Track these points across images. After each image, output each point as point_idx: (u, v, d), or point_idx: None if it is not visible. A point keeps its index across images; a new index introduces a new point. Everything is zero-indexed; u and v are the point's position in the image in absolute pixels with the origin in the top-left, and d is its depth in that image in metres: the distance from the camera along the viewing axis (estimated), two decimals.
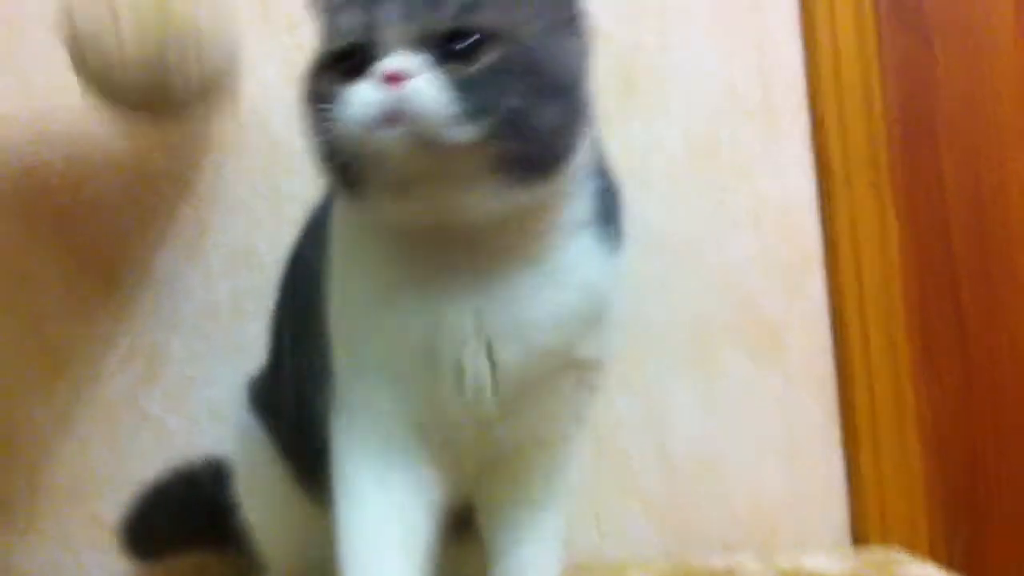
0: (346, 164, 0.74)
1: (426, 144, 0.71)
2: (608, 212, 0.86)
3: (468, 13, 0.72)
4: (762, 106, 1.46)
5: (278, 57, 1.39)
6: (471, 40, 0.72)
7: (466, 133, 0.71)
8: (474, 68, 0.72)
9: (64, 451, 1.42)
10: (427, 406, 0.85)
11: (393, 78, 0.71)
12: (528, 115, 0.72)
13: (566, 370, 0.87)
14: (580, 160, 0.80)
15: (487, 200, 0.75)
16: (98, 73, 0.93)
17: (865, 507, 1.45)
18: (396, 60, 0.72)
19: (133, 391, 1.43)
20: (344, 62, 0.75)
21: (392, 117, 0.71)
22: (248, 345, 1.31)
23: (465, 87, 0.71)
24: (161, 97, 1.07)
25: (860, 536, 1.44)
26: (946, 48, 1.53)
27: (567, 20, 0.79)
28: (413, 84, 0.71)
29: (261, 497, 1.09)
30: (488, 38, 0.73)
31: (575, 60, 0.79)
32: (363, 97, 0.72)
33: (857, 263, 1.46)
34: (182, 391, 1.40)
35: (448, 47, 0.72)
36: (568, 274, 0.82)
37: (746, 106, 1.46)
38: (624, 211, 0.92)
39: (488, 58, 0.72)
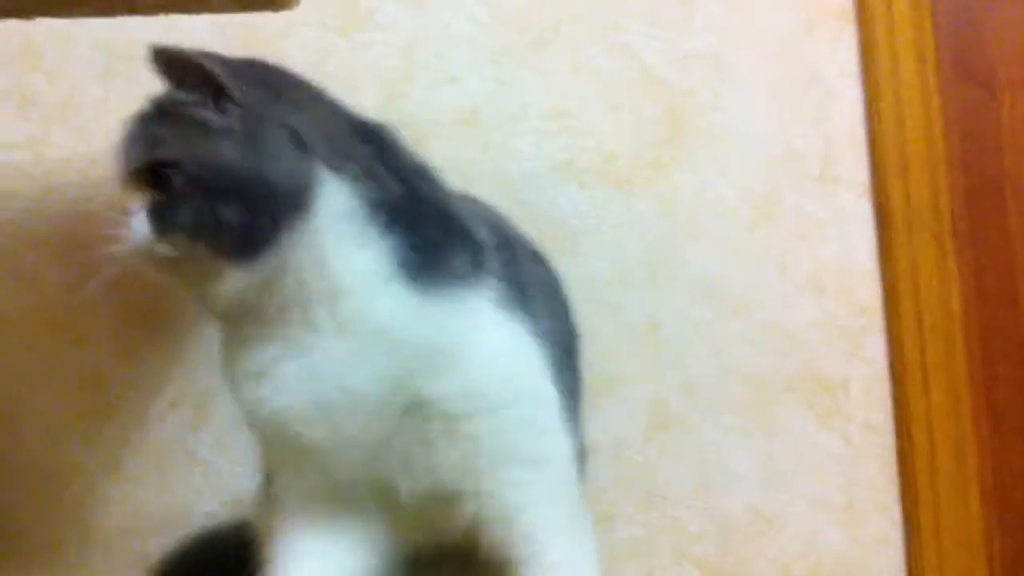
0: None
1: (155, 260, 0.90)
2: (426, 260, 0.90)
3: (151, 150, 0.89)
4: (823, 167, 1.44)
5: None
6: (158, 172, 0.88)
7: (168, 249, 0.89)
8: (164, 197, 0.88)
9: (114, 493, 1.44)
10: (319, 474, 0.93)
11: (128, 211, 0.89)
12: (212, 220, 0.86)
13: (422, 420, 0.90)
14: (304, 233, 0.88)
15: (228, 283, 0.88)
16: None
17: (923, 566, 1.41)
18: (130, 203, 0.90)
19: (182, 434, 1.44)
20: None
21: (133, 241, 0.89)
22: None
23: (158, 216, 0.88)
24: None
25: None
26: (1011, 98, 1.49)
27: (254, 122, 0.89)
28: (133, 220, 0.89)
29: None
30: (171, 167, 0.88)
31: (241, 153, 0.88)
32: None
33: (918, 318, 1.43)
34: (230, 434, 1.40)
35: (146, 181, 0.89)
36: (358, 328, 0.88)
37: (807, 168, 1.44)
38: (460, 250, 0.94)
39: (174, 184, 0.88)
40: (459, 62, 1.44)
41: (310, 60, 1.42)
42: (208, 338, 1.41)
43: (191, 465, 1.44)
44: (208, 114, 0.89)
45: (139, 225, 0.89)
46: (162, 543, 1.42)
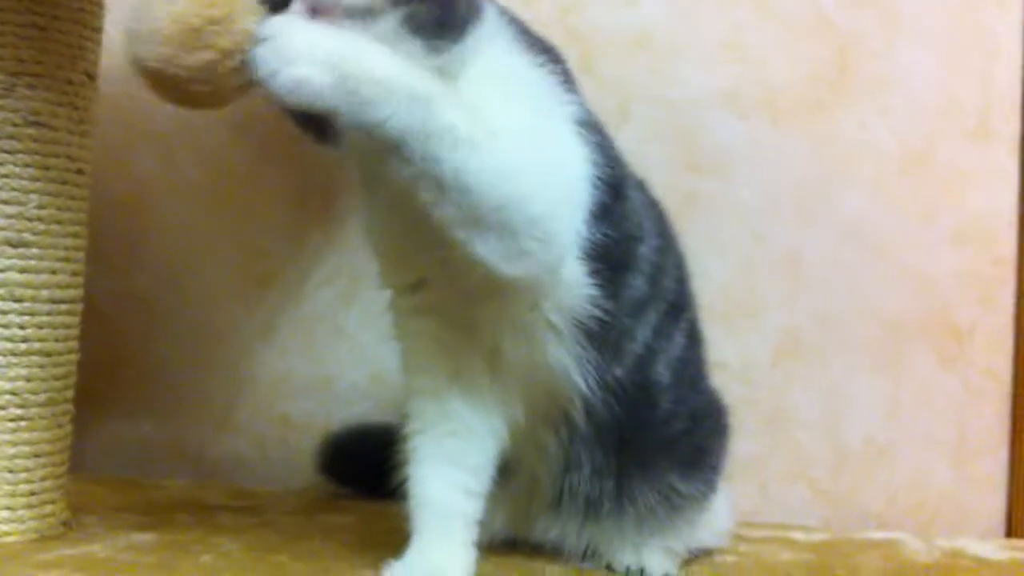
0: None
1: (350, 15, 0.81)
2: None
3: None
4: (979, 121, 1.47)
5: None
6: None
7: (368, 2, 0.81)
8: None
9: (265, 356, 1.52)
10: None
11: None
12: None
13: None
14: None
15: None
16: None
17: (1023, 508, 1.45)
18: None
19: (333, 309, 1.51)
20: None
21: (311, 12, 0.81)
22: None
23: None
24: None
25: (1014, 531, 1.46)
26: None
27: None
28: None
29: None
30: None
31: None
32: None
33: None
34: (376, 313, 1.46)
35: None
36: None
37: (963, 121, 1.47)
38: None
39: None
40: None
41: None
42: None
43: (338, 338, 1.51)
44: None
45: None
46: (304, 408, 1.51)
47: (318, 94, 0.77)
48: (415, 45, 0.84)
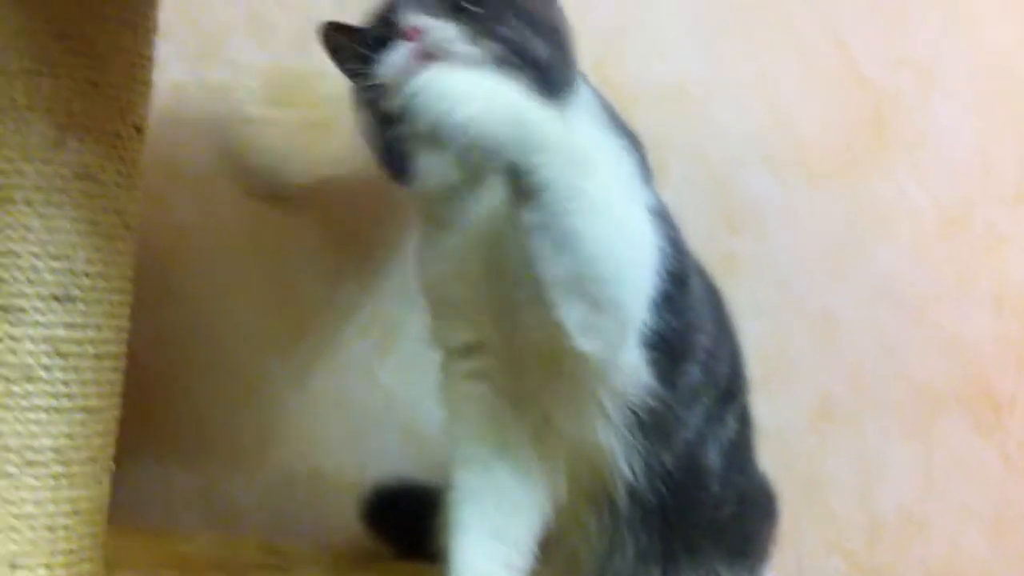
0: (391, 141, 0.90)
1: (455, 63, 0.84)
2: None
3: None
4: (1019, 185, 1.47)
5: None
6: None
7: (475, 52, 0.87)
8: (470, 13, 0.89)
9: (297, 406, 1.51)
10: None
11: (410, 32, 0.88)
12: (524, 44, 0.89)
13: None
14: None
15: None
16: None
17: None
18: (407, 20, 0.89)
19: (368, 360, 1.50)
20: (374, 50, 0.91)
21: (419, 56, 0.87)
22: None
23: (465, 25, 0.88)
24: None
25: None
26: None
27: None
28: (426, 28, 0.88)
29: None
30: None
31: (553, 12, 0.96)
32: (394, 52, 0.89)
33: None
34: (413, 366, 1.47)
35: (450, 9, 0.90)
36: None
37: (1003, 185, 1.47)
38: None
39: (484, 6, 0.89)
40: (671, 37, 1.48)
41: None
42: (402, 271, 1.48)
43: (372, 390, 1.50)
44: None
45: (440, 27, 0.89)
46: (336, 461, 1.50)
47: (490, 133, 0.77)
48: None
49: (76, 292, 1.03)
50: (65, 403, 1.03)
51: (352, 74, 0.99)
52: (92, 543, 1.06)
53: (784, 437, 1.45)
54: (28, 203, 1.02)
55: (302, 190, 1.14)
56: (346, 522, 1.39)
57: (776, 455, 1.37)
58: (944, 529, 1.45)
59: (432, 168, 0.91)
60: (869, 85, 1.46)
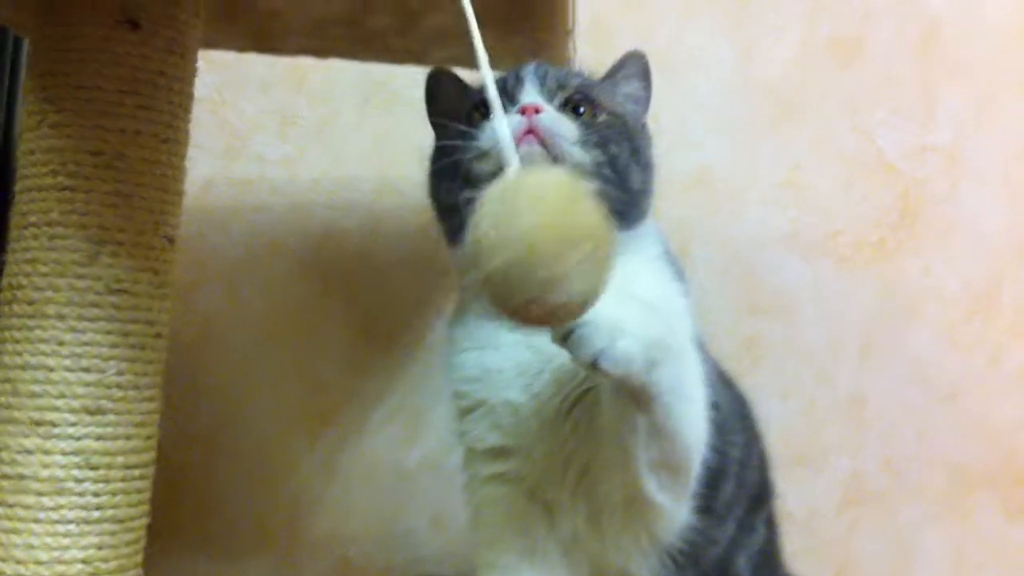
0: (465, 202, 0.88)
1: (553, 159, 0.89)
2: None
3: (587, 88, 0.96)
4: None
5: None
6: (587, 105, 0.94)
7: (583, 157, 0.90)
8: (588, 121, 0.93)
9: (325, 496, 1.51)
10: None
11: (529, 109, 0.90)
12: (625, 167, 0.93)
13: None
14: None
15: None
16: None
17: None
18: (531, 97, 0.93)
19: (395, 448, 1.51)
20: (484, 111, 0.93)
21: (529, 134, 0.89)
22: None
23: (583, 128, 0.92)
24: None
25: None
26: None
27: (642, 124, 1.02)
28: (545, 112, 0.91)
29: None
30: (599, 110, 0.96)
31: (650, 152, 1.01)
32: (503, 124, 0.85)
33: None
34: (440, 454, 1.47)
35: (569, 108, 0.94)
36: None
37: None
38: None
39: (600, 119, 0.94)
40: (699, 126, 1.49)
41: None
42: (426, 361, 1.49)
43: (399, 479, 1.50)
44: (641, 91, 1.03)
45: (559, 120, 0.92)
46: (364, 549, 1.50)
47: (632, 364, 0.77)
48: None
49: (107, 404, 1.04)
50: (95, 515, 1.03)
51: (444, 127, 0.99)
52: None
53: (814, 520, 1.44)
54: (61, 318, 1.03)
55: None
56: None
57: (806, 539, 1.38)
58: None
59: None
60: (896, 172, 1.46)
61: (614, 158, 0.92)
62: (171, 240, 1.11)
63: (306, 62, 1.44)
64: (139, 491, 1.08)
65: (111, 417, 1.05)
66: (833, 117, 1.49)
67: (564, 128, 0.91)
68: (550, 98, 0.94)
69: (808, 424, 1.45)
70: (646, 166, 0.98)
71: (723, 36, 1.52)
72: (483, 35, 1.13)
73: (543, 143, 0.89)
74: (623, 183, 0.93)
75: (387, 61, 1.29)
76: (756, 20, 1.51)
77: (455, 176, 0.94)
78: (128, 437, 1.06)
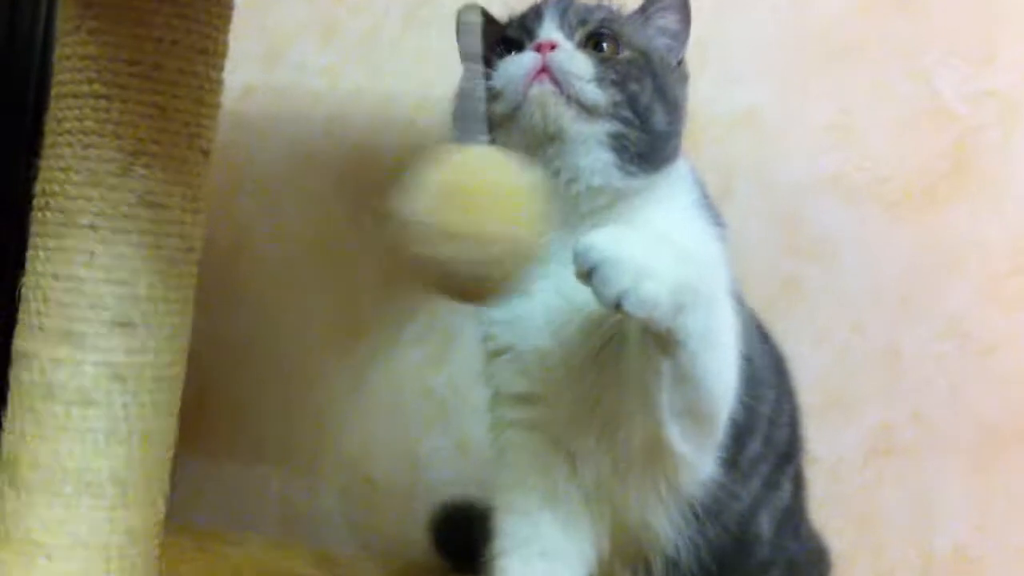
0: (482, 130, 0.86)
1: (566, 98, 0.86)
2: None
3: (611, 23, 0.92)
4: None
5: None
6: (608, 40, 0.90)
7: (598, 96, 0.87)
8: (609, 58, 0.89)
9: (350, 412, 1.52)
10: None
11: (544, 46, 0.87)
12: (647, 107, 0.89)
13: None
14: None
15: (596, 173, 0.88)
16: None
17: None
18: (549, 33, 0.89)
19: (422, 369, 1.51)
20: (503, 49, 0.91)
21: (542, 72, 0.86)
22: None
23: (601, 66, 0.88)
24: None
25: None
26: None
27: (677, 60, 0.98)
28: (560, 50, 0.87)
29: None
30: (623, 46, 0.91)
31: (680, 91, 0.96)
32: (519, 60, 0.88)
33: None
34: (466, 377, 1.47)
35: (590, 44, 0.90)
36: None
37: None
38: None
39: (622, 56, 0.90)
40: (750, 63, 1.45)
41: None
42: None
43: (425, 400, 1.51)
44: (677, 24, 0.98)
45: (574, 57, 0.89)
46: (388, 469, 1.51)
47: (657, 307, 0.74)
48: (610, 158, 0.88)
49: (137, 318, 1.04)
50: (123, 427, 1.04)
51: (469, 59, 0.95)
52: (146, 564, 1.07)
53: (839, 469, 1.43)
54: (93, 228, 1.02)
55: None
56: (398, 531, 1.40)
57: (830, 488, 1.37)
58: (999, 570, 1.42)
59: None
60: (951, 117, 1.42)
61: (634, 97, 0.89)
62: (206, 153, 1.10)
63: None
64: (168, 404, 1.09)
65: (141, 330, 1.05)
66: (889, 60, 1.43)
67: (579, 65, 0.87)
68: (571, 34, 0.91)
69: (840, 372, 1.44)
70: (674, 106, 0.93)
71: None
72: None
73: (556, 82, 0.87)
74: (645, 123, 0.89)
75: None
76: None
77: (472, 117, 0.90)
78: (158, 351, 1.06)
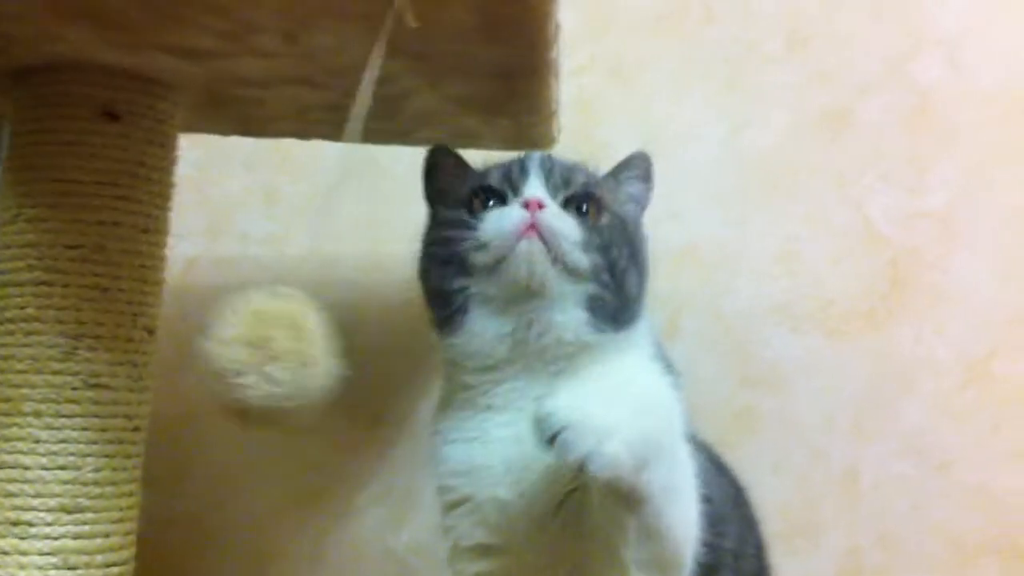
0: (457, 290, 0.91)
1: (553, 258, 0.88)
2: None
3: (592, 188, 0.94)
4: None
5: None
6: (591, 205, 0.93)
7: (582, 260, 0.89)
8: (591, 222, 0.92)
9: None
10: None
11: (533, 204, 0.89)
12: (623, 272, 0.92)
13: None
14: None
15: (569, 329, 0.89)
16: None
17: None
18: (536, 191, 0.91)
19: (383, 530, 1.47)
20: (485, 198, 0.93)
21: (531, 229, 0.88)
22: None
23: (585, 230, 0.90)
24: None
25: None
26: None
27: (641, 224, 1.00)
28: (549, 209, 0.89)
29: None
30: (604, 210, 0.94)
31: (648, 254, 0.98)
32: (508, 214, 0.90)
33: None
34: (429, 537, 1.44)
35: (572, 206, 0.92)
36: None
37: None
38: None
39: (602, 221, 0.93)
40: (687, 198, 1.48)
41: None
42: (414, 440, 1.46)
43: (388, 562, 1.48)
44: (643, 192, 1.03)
45: (563, 218, 0.91)
46: None
47: (620, 467, 0.75)
48: (584, 317, 0.90)
49: (84, 502, 1.02)
50: None
51: (441, 209, 0.99)
52: None
53: None
54: (37, 415, 1.01)
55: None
56: None
57: None
58: None
59: (488, 329, 0.91)
60: (886, 241, 1.45)
61: (613, 263, 0.92)
62: (151, 332, 1.09)
63: (288, 140, 1.43)
64: None
65: (89, 515, 1.03)
66: (823, 189, 1.48)
67: (567, 228, 0.90)
68: (554, 193, 0.93)
69: (802, 498, 1.43)
70: (643, 270, 0.96)
71: (713, 111, 1.51)
72: (468, 118, 1.14)
73: (544, 240, 0.88)
74: (619, 288, 0.92)
75: (371, 142, 1.28)
76: (746, 95, 1.50)
77: (450, 263, 0.93)
78: (107, 535, 1.04)
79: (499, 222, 0.90)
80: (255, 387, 0.78)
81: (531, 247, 0.88)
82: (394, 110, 1.12)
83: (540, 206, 0.89)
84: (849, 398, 1.45)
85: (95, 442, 1.03)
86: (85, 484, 1.02)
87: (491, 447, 0.92)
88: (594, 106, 1.51)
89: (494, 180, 0.95)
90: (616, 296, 0.91)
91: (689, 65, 1.54)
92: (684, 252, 1.48)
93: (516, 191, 0.93)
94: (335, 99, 1.11)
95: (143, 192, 1.07)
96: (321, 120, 1.18)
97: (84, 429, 1.02)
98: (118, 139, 1.05)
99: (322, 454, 1.49)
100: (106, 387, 1.03)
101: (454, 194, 0.98)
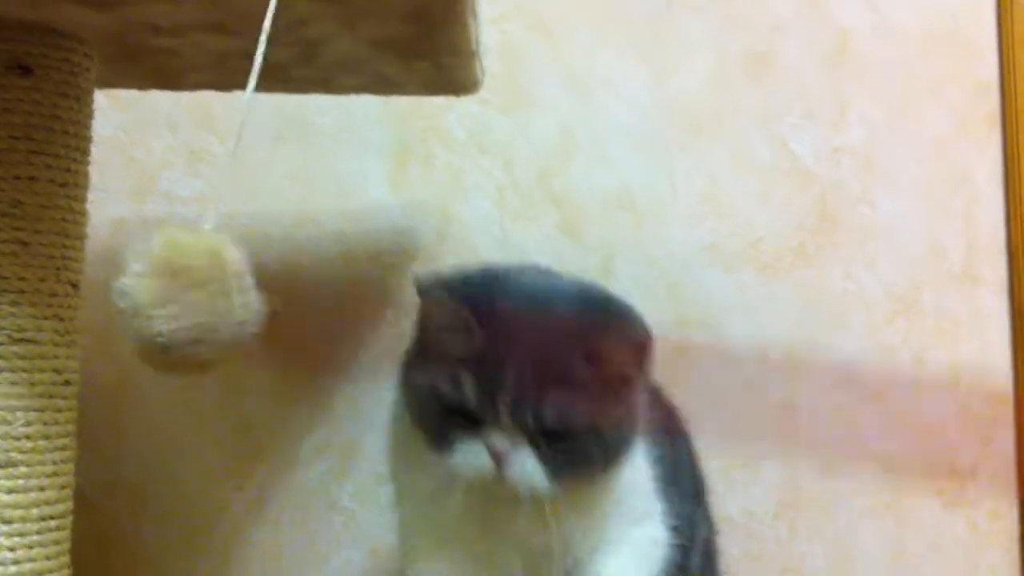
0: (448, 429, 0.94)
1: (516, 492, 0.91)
2: None
3: (564, 420, 0.91)
4: (964, 266, 1.49)
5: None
6: (565, 434, 0.91)
7: (551, 488, 0.91)
8: (560, 450, 0.91)
9: (257, 535, 1.48)
10: None
11: (500, 455, 0.90)
12: (602, 465, 0.95)
13: None
14: None
15: (538, 497, 0.92)
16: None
17: None
18: (501, 443, 0.90)
19: (326, 482, 1.48)
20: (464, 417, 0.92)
21: (496, 475, 0.91)
22: None
23: (550, 462, 0.91)
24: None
25: None
26: None
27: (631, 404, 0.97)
28: (515, 462, 0.90)
29: None
30: (577, 432, 0.92)
31: (637, 412, 0.97)
32: (477, 456, 0.91)
33: None
34: (372, 486, 1.45)
35: (543, 438, 0.91)
36: None
37: (949, 266, 1.51)
38: None
39: (576, 444, 0.92)
40: (616, 145, 1.50)
41: (470, 134, 1.49)
42: (354, 390, 1.46)
43: (332, 512, 1.48)
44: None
45: (528, 471, 0.92)
46: None
47: None
48: (558, 490, 0.93)
49: (17, 456, 1.01)
50: (12, 569, 1.00)
51: (428, 354, 0.99)
52: None
53: (752, 526, 1.44)
54: None
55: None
56: None
57: (745, 544, 1.37)
58: None
59: (471, 463, 0.92)
60: (812, 177, 1.48)
61: (591, 468, 0.95)
62: (75, 285, 1.08)
63: (213, 97, 1.41)
64: (57, 543, 1.05)
65: (22, 469, 1.02)
66: (747, 129, 1.49)
67: (533, 477, 0.92)
68: (525, 427, 0.91)
69: (740, 432, 1.46)
70: (630, 439, 0.97)
71: (635, 57, 1.51)
72: (387, 61, 1.13)
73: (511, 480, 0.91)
74: (588, 474, 0.96)
75: (292, 91, 1.27)
76: (667, 40, 1.52)
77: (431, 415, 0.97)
78: (41, 488, 1.03)
79: (466, 458, 0.92)
80: (176, 317, 0.77)
81: (498, 478, 0.91)
82: (312, 55, 1.11)
83: (505, 457, 0.91)
84: (783, 333, 1.47)
85: (24, 396, 1.01)
86: (16, 439, 1.01)
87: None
88: (518, 53, 1.51)
89: (471, 401, 0.92)
90: (584, 478, 0.96)
91: (611, 12, 1.54)
92: (614, 197, 1.49)
93: (487, 418, 0.92)
94: (249, 47, 1.10)
95: (59, 146, 1.05)
96: (237, 70, 1.16)
97: (12, 384, 1.01)
98: (31, 93, 1.03)
99: (261, 410, 1.49)
100: (32, 341, 1.02)
101: (442, 353, 0.96)
